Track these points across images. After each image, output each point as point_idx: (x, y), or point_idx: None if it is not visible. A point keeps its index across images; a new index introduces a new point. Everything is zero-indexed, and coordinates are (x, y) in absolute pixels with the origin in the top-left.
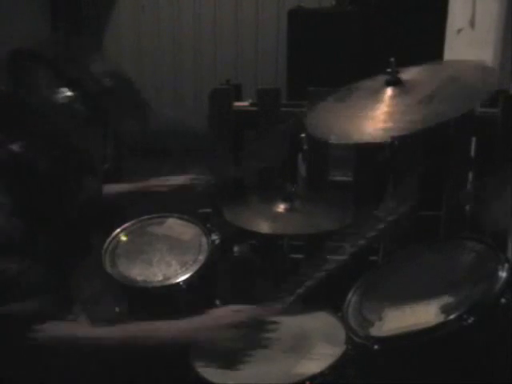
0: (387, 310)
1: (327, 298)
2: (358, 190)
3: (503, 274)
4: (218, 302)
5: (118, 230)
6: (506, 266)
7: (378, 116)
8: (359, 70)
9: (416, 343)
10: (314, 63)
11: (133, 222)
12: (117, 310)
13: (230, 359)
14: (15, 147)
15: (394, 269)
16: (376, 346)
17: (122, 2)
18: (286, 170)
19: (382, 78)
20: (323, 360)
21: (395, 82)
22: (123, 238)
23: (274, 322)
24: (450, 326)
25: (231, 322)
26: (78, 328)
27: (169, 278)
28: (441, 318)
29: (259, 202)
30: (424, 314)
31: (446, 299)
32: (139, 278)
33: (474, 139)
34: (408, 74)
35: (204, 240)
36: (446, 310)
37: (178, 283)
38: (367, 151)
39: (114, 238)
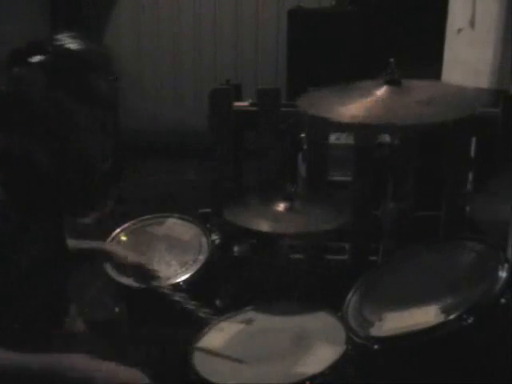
0: (387, 310)
1: (327, 298)
2: (357, 190)
3: (503, 274)
4: (217, 302)
5: (118, 229)
6: (506, 266)
7: (371, 105)
8: (359, 69)
9: (416, 343)
10: (313, 63)
11: (133, 221)
12: (116, 310)
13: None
14: (11, 141)
15: (394, 269)
16: (376, 346)
17: (121, 2)
18: (286, 170)
19: (381, 80)
20: (323, 360)
21: (395, 82)
22: (123, 238)
23: None
24: (449, 326)
25: None
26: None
27: (169, 278)
28: (441, 318)
29: (259, 201)
30: (424, 314)
31: (446, 299)
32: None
33: (474, 139)
34: (408, 82)
35: (204, 240)
36: (445, 310)
37: (178, 283)
38: (366, 151)
39: (114, 238)
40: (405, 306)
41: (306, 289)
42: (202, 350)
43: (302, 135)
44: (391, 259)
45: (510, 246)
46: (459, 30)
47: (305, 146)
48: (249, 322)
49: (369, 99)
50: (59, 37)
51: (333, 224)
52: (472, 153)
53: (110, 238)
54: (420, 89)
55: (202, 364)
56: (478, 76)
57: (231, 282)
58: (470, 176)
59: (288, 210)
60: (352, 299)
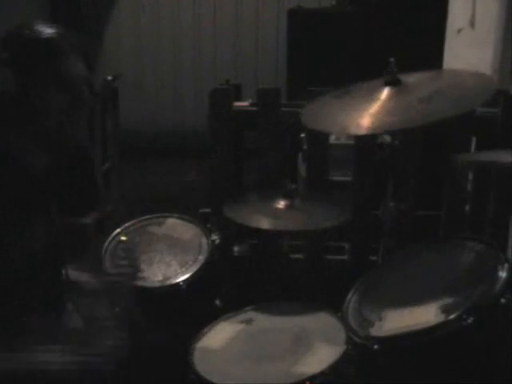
0: (387, 310)
1: (327, 297)
2: (357, 190)
3: (503, 274)
4: (218, 302)
5: (118, 229)
6: (506, 266)
7: (375, 111)
8: (359, 69)
9: (416, 343)
10: (313, 63)
11: (133, 221)
12: (116, 309)
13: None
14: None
15: (394, 269)
16: (376, 346)
17: (121, 2)
18: (286, 170)
19: (380, 80)
20: (323, 360)
21: (395, 82)
22: (123, 238)
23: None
24: (450, 325)
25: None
26: None
27: (169, 278)
28: (441, 318)
29: (259, 199)
30: (424, 314)
31: (446, 299)
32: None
33: (474, 139)
34: (407, 77)
35: (204, 240)
36: (445, 309)
37: (178, 283)
38: (366, 151)
39: (114, 238)
40: (405, 306)
41: (306, 289)
42: (202, 349)
43: (302, 135)
44: (391, 259)
45: (510, 246)
46: (459, 30)
47: (305, 146)
48: (249, 322)
49: (371, 105)
50: (24, 29)
51: (333, 222)
52: None
53: (110, 238)
54: (420, 84)
55: (201, 364)
56: None
57: (231, 282)
58: (470, 176)
59: (288, 207)
60: (352, 299)
